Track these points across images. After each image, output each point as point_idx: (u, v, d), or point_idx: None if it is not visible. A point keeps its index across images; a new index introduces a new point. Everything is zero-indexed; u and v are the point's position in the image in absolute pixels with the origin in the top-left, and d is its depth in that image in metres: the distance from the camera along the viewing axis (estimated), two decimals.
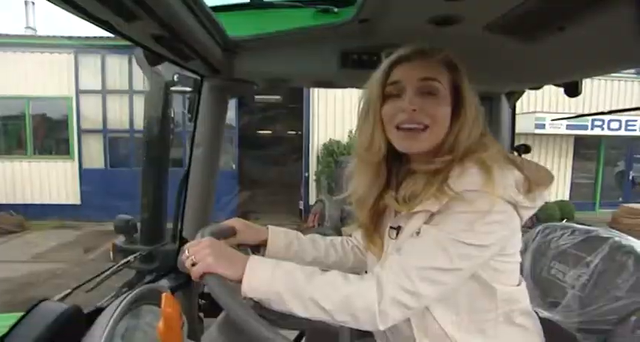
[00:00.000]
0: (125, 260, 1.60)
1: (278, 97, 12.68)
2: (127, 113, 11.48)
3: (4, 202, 11.31)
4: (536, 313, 1.25)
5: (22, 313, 1.10)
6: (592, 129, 12.36)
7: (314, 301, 0.96)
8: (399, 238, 1.12)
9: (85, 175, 11.76)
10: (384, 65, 1.13)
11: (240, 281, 0.98)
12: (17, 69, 11.17)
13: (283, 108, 15.33)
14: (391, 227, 1.17)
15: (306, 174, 12.13)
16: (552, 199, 12.51)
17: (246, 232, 1.30)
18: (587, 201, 13.76)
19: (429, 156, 1.10)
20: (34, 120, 11.78)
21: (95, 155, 11.83)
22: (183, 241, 1.76)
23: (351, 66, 1.54)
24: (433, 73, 1.08)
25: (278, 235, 1.35)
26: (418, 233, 1.04)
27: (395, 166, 1.22)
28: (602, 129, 12.42)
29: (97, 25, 0.98)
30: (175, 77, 1.74)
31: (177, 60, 1.37)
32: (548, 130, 12.12)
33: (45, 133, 12.07)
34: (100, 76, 11.45)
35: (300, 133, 13.32)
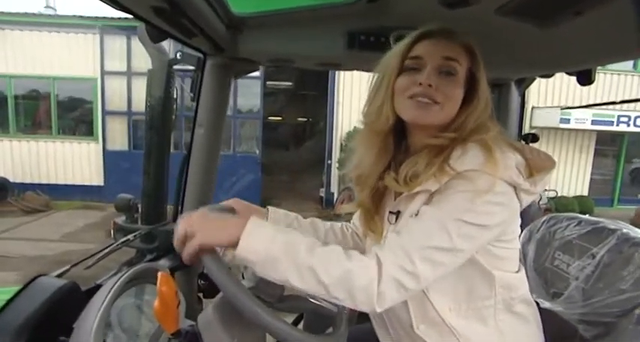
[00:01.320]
0: (124, 239, 1.61)
1: (290, 83, 12.55)
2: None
3: (28, 181, 11.53)
4: (538, 303, 1.24)
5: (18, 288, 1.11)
6: (617, 125, 12.13)
7: (313, 271, 0.92)
8: (399, 223, 1.12)
9: (108, 156, 11.82)
10: (407, 39, 1.11)
11: (235, 245, 0.94)
12: (43, 49, 11.30)
13: (306, 95, 15.29)
14: (390, 212, 1.16)
15: (329, 161, 12.11)
16: (572, 194, 12.47)
17: (246, 212, 1.29)
18: (604, 197, 13.56)
19: (433, 132, 1.09)
20: (59, 100, 11.89)
21: (119, 137, 11.88)
22: None
23: (357, 47, 1.50)
24: (455, 54, 1.08)
25: (278, 216, 1.36)
26: (417, 214, 1.03)
27: (396, 148, 1.20)
28: (628, 125, 12.17)
29: None
30: (178, 55, 1.72)
31: (180, 36, 1.35)
32: (573, 125, 11.92)
33: (69, 113, 12.19)
34: (126, 58, 11.43)
35: (320, 120, 13.25)
